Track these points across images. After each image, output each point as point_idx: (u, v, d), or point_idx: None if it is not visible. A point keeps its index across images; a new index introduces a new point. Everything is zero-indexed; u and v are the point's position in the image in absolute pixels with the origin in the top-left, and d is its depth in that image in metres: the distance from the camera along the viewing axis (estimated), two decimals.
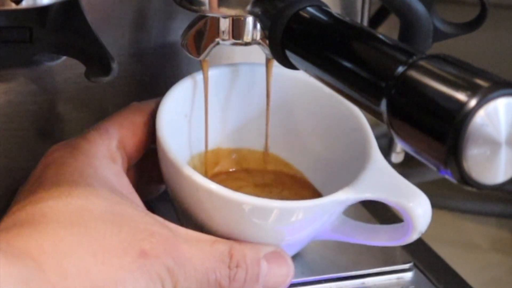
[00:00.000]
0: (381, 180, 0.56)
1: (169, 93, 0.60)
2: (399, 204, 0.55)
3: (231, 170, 0.65)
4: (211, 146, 0.64)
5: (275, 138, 0.65)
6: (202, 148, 0.64)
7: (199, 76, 0.62)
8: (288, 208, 0.54)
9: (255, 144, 0.65)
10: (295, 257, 0.61)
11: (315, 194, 0.63)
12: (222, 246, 0.54)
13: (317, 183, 0.64)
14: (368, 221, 0.66)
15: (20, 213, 0.52)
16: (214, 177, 0.64)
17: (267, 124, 0.64)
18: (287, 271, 0.56)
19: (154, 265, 0.51)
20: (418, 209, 0.54)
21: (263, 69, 0.63)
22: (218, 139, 0.64)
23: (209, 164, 0.64)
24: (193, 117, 0.63)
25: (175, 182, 0.57)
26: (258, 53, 0.62)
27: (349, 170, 0.58)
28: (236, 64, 0.64)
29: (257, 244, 0.55)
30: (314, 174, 0.64)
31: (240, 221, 0.55)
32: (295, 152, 0.65)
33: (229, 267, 0.54)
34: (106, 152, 0.57)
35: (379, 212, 0.68)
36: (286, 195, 0.63)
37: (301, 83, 0.63)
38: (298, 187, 0.64)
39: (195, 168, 0.63)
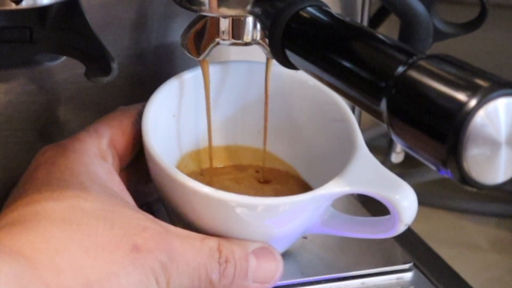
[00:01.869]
0: (366, 173, 0.56)
1: (155, 94, 0.61)
2: (384, 197, 0.55)
3: (224, 166, 0.66)
4: (203, 144, 0.64)
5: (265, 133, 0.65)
6: (193, 147, 0.64)
7: (185, 75, 0.62)
8: (273, 204, 0.55)
9: (247, 140, 0.65)
10: (295, 257, 0.61)
11: (306, 188, 0.63)
12: (211, 242, 0.55)
13: (307, 177, 0.64)
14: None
15: (12, 214, 0.52)
16: (208, 174, 0.64)
17: (265, 120, 0.64)
18: (276, 266, 0.56)
19: (147, 259, 0.51)
20: (403, 201, 0.55)
21: (255, 66, 0.63)
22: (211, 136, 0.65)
23: (203, 162, 0.65)
24: (182, 117, 0.63)
25: (162, 183, 0.57)
26: (258, 53, 0.62)
27: (337, 163, 0.58)
28: (227, 62, 0.64)
29: (245, 241, 0.56)
30: (305, 168, 0.64)
31: (226, 219, 0.55)
32: (286, 146, 0.65)
33: (218, 262, 0.54)
34: (96, 150, 0.58)
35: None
36: (279, 189, 0.63)
37: (289, 78, 0.64)
38: (291, 181, 0.64)
39: (187, 166, 0.63)
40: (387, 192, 0.55)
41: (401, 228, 0.56)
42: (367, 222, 0.59)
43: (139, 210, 0.55)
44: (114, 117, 0.60)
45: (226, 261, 0.54)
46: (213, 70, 0.62)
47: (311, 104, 0.63)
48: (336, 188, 0.55)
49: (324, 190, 0.55)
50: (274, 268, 0.56)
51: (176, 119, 0.63)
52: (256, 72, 0.63)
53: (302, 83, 0.63)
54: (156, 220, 0.54)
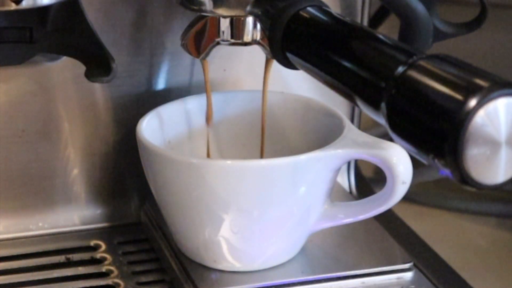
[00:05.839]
0: (356, 139, 0.58)
1: (151, 116, 0.62)
2: (376, 155, 0.56)
3: None
4: None
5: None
6: None
7: (188, 102, 0.64)
8: (263, 165, 0.56)
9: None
10: (295, 256, 0.61)
11: None
12: None
13: None
14: None
15: None
16: None
17: (263, 121, 0.64)
18: None
19: None
20: (395, 157, 0.56)
21: (252, 95, 0.65)
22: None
23: None
24: (176, 144, 0.64)
25: (153, 166, 0.59)
26: (258, 53, 0.62)
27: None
28: (226, 92, 0.66)
29: None
30: None
31: (236, 185, 0.56)
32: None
33: None
34: None
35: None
36: None
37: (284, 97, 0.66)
38: None
39: None
40: (378, 151, 0.56)
41: (400, 188, 0.56)
42: (367, 200, 0.59)
43: None
44: None
45: None
46: (216, 98, 0.64)
47: (304, 115, 0.65)
48: (331, 150, 0.57)
49: (316, 153, 0.56)
50: None
51: (170, 146, 0.64)
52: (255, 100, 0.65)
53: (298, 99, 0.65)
54: None
